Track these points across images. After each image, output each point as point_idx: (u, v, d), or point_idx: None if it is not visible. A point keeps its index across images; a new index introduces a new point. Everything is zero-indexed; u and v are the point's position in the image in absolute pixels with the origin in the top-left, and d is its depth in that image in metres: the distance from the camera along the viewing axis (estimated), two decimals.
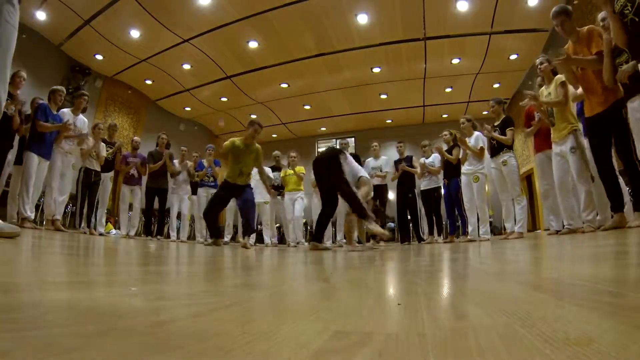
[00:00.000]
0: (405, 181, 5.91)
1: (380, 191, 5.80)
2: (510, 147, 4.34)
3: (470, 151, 4.77)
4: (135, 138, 6.42)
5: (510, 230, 4.45)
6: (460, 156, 5.05)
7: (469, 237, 4.75)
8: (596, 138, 3.08)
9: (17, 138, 4.34)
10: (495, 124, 4.52)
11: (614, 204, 2.99)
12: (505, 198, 4.43)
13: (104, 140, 5.52)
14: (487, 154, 4.80)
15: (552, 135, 3.73)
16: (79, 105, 5.00)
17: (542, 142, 4.12)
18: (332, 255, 2.53)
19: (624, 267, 0.93)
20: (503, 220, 5.85)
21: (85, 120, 5.11)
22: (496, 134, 4.39)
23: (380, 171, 6.04)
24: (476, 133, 4.86)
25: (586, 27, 3.09)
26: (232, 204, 6.55)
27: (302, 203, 6.36)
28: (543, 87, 3.85)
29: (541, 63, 3.82)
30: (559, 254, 1.75)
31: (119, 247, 2.75)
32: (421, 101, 10.79)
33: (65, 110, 4.80)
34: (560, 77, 3.55)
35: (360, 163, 6.10)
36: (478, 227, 4.84)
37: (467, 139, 4.88)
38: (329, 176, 3.78)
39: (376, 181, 5.83)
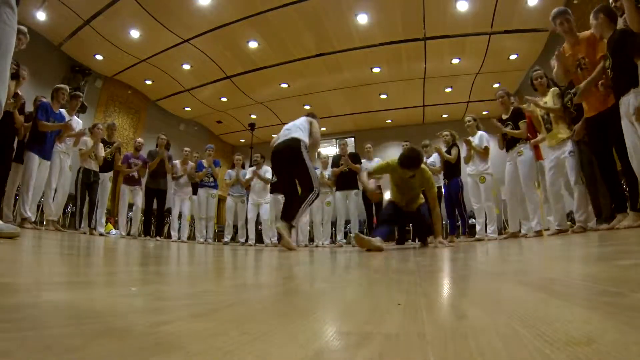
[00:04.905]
0: None
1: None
2: (526, 140, 4.18)
3: (475, 151, 4.75)
4: (139, 140, 6.42)
5: (527, 230, 4.21)
6: (464, 155, 5.02)
7: (488, 236, 4.70)
8: (596, 138, 3.09)
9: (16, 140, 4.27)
10: (504, 117, 4.36)
11: (617, 204, 3.00)
12: (512, 197, 4.33)
13: (102, 140, 5.52)
14: (491, 154, 4.79)
15: (547, 142, 3.79)
16: (73, 105, 5.01)
17: (539, 151, 4.21)
18: (331, 255, 2.52)
19: (624, 267, 0.93)
20: (504, 221, 5.83)
21: (80, 121, 5.13)
22: (509, 129, 4.23)
23: None
24: (480, 132, 4.84)
25: (589, 31, 3.12)
26: (232, 203, 6.59)
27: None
28: (538, 98, 3.92)
29: (540, 77, 3.93)
30: (558, 253, 1.75)
31: (118, 247, 2.75)
32: (421, 101, 10.77)
33: (61, 110, 4.80)
34: (556, 89, 3.72)
35: (360, 163, 6.12)
36: (485, 226, 4.81)
37: (470, 138, 4.85)
38: None
39: (372, 182, 5.81)
